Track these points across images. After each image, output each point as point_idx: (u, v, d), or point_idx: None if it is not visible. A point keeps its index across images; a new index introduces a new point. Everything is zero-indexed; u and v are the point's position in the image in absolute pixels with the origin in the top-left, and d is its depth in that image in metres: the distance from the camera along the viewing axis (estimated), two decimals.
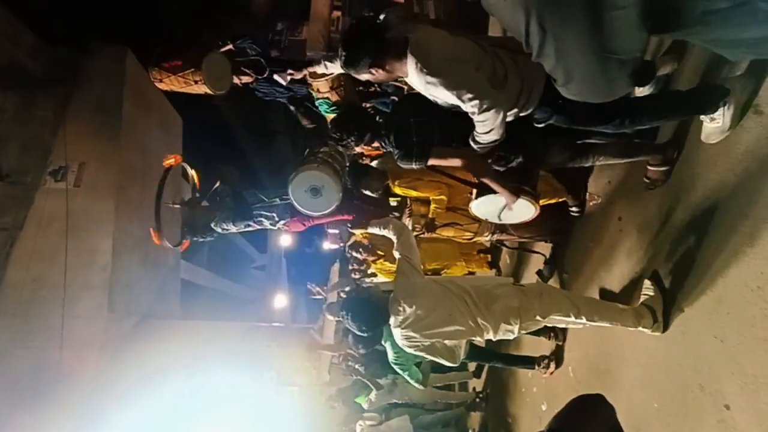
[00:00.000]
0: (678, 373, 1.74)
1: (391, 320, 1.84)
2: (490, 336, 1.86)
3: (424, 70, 1.46)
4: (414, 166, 1.78)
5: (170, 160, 2.82)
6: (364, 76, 1.58)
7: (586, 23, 1.00)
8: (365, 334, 1.88)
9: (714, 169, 1.67)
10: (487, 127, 1.53)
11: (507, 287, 1.92)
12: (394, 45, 1.50)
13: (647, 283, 1.91)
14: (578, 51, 1.06)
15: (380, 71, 1.53)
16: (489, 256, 3.94)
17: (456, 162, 1.75)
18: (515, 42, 1.36)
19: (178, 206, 3.02)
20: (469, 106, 1.47)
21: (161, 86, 2.66)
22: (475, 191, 2.08)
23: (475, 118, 1.52)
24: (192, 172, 2.95)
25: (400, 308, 1.81)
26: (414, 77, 1.53)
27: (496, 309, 1.82)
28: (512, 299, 1.85)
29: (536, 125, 1.64)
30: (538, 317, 1.85)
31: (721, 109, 1.53)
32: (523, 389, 3.35)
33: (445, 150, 1.76)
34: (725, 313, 1.55)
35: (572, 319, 1.87)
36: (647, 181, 1.97)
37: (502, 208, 2.05)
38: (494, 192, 1.85)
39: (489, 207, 2.12)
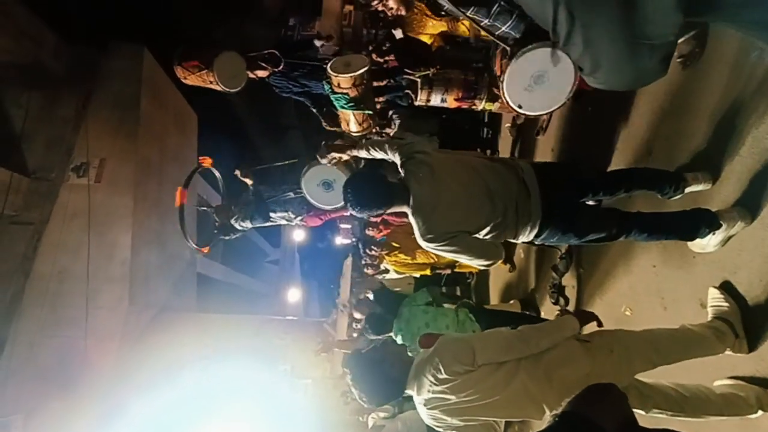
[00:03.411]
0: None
1: (412, 393, 1.43)
2: (545, 416, 1.34)
3: (427, 237, 1.59)
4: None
5: (206, 162, 2.95)
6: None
7: (618, 9, 0.97)
8: (364, 403, 1.49)
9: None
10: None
11: (569, 347, 1.40)
12: (398, 199, 1.61)
13: (714, 292, 1.62)
14: (608, 38, 1.03)
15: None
16: None
17: None
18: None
19: (204, 209, 3.12)
20: (464, 259, 1.65)
21: (186, 83, 2.72)
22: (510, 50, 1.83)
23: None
24: (219, 176, 3.05)
25: (429, 387, 1.36)
26: (414, 228, 1.64)
27: (558, 378, 1.32)
28: (580, 363, 1.35)
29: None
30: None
31: (709, 236, 1.63)
32: None
33: None
34: None
35: (653, 368, 1.44)
36: (680, 59, 1.86)
37: (539, 70, 1.72)
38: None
39: (522, 74, 1.79)
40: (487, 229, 1.62)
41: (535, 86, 1.84)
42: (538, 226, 1.63)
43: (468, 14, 1.84)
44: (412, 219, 1.62)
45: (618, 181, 1.81)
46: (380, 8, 2.29)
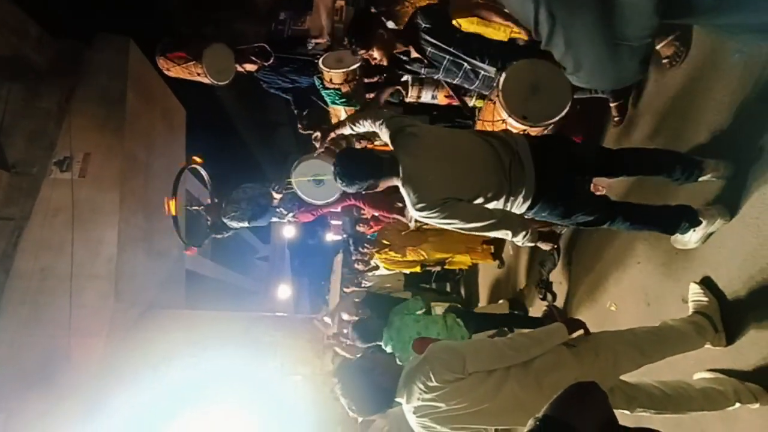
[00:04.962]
0: None
1: (402, 401, 1.44)
2: None
3: (418, 206, 1.58)
4: None
5: (197, 160, 2.92)
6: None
7: (597, 11, 0.98)
8: (353, 413, 1.50)
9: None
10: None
11: (558, 352, 1.43)
12: (387, 171, 1.60)
13: (695, 287, 1.68)
14: (588, 39, 1.05)
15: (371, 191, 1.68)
16: (492, 247, 3.96)
17: None
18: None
19: (195, 208, 3.09)
20: (459, 225, 1.64)
21: (169, 74, 2.67)
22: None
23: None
24: (206, 176, 3.01)
25: (419, 395, 1.36)
26: (405, 200, 1.64)
27: (548, 384, 1.34)
28: (569, 368, 1.38)
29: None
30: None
31: (690, 232, 1.67)
32: None
33: None
34: None
35: (638, 368, 1.49)
36: (665, 60, 1.87)
37: (533, 81, 1.78)
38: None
39: (520, 81, 1.86)
40: (480, 200, 1.62)
41: (532, 96, 1.86)
42: (531, 198, 1.63)
43: (455, 53, 1.97)
44: (402, 190, 1.62)
45: (620, 160, 1.74)
46: (365, 57, 2.39)
